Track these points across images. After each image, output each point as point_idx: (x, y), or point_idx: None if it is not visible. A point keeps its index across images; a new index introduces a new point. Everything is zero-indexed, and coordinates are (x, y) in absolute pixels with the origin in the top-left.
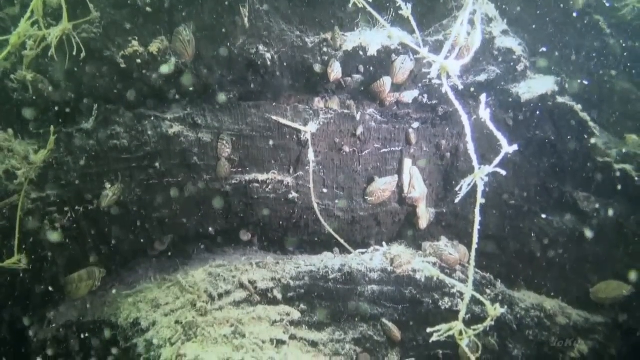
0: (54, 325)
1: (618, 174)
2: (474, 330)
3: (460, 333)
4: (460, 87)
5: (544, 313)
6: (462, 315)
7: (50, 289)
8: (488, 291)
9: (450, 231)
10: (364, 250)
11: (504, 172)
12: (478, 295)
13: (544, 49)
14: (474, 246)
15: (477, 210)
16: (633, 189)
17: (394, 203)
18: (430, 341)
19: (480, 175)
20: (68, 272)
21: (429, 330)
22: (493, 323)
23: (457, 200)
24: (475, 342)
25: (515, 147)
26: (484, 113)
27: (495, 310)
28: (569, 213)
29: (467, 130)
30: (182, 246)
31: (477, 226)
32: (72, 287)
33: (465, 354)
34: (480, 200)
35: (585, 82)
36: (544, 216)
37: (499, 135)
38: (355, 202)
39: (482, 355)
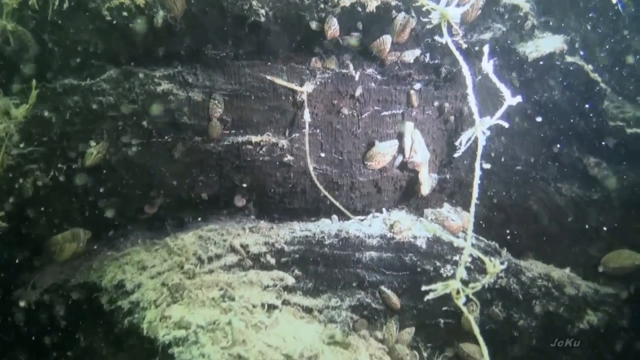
0: (38, 289)
1: (630, 138)
2: (472, 288)
3: (458, 292)
4: (464, 45)
5: (552, 283)
6: (459, 273)
7: (34, 250)
8: (493, 259)
9: (454, 198)
10: (362, 218)
11: (506, 124)
12: (476, 252)
13: (553, 7)
14: (474, 200)
15: (477, 164)
16: None
17: (395, 168)
18: (431, 308)
19: (481, 128)
20: (52, 233)
21: (424, 288)
22: (492, 280)
23: (456, 155)
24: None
25: (518, 98)
26: (487, 65)
27: (495, 267)
28: (578, 179)
29: (468, 81)
30: (175, 212)
31: (477, 180)
32: (56, 248)
33: (467, 323)
34: (480, 151)
35: (597, 42)
36: (552, 183)
37: (501, 87)
38: (355, 167)
39: (486, 326)
